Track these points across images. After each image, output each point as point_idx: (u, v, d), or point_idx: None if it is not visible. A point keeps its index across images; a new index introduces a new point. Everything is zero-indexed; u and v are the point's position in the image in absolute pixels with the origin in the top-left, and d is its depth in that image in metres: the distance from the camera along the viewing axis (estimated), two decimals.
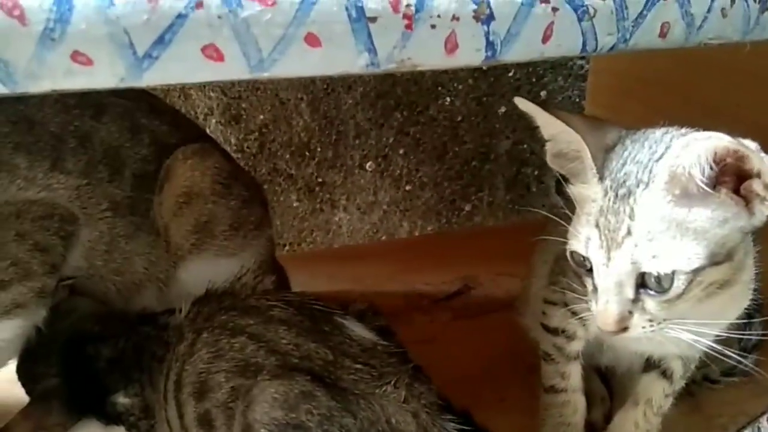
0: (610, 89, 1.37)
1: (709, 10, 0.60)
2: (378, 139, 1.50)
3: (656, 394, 0.82)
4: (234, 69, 0.45)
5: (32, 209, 0.76)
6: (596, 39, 0.55)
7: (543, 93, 1.57)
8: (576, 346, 0.81)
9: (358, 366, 0.68)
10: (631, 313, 0.64)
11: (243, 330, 0.69)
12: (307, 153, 1.46)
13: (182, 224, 0.85)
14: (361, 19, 0.46)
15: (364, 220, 1.55)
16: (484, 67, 1.47)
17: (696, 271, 0.60)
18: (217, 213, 0.86)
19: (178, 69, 0.44)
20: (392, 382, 0.67)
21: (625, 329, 0.64)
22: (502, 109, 1.55)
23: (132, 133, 0.84)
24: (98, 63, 0.43)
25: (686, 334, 0.64)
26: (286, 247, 1.51)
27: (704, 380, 0.94)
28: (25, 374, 0.80)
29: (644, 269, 0.61)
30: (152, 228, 0.85)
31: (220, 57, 0.44)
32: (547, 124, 0.69)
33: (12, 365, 0.82)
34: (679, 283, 0.61)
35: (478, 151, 1.57)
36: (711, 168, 0.59)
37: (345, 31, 0.46)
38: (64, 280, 0.82)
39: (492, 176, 1.61)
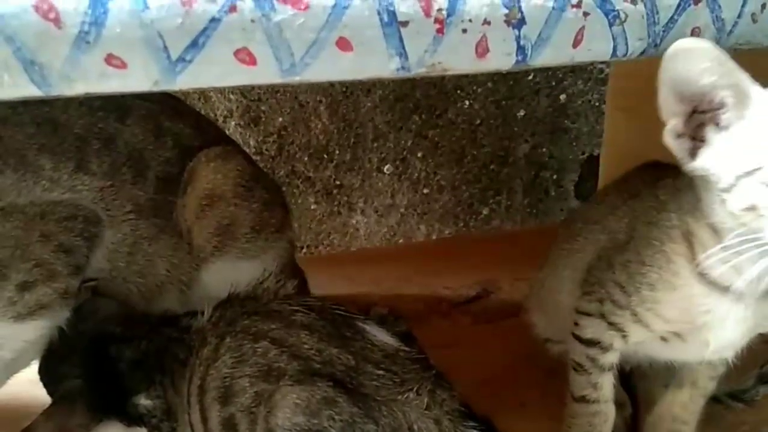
0: (631, 93, 1.36)
1: (739, 16, 0.59)
2: (396, 142, 1.50)
3: (702, 377, 0.82)
4: (266, 73, 0.45)
5: (57, 210, 0.77)
6: (627, 44, 0.55)
7: (563, 96, 1.56)
8: (611, 358, 0.80)
9: (380, 372, 0.68)
10: None
11: (266, 335, 0.69)
12: (325, 156, 1.47)
13: (205, 226, 0.85)
14: (392, 24, 0.46)
15: (381, 223, 1.54)
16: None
17: None
18: (239, 215, 0.86)
19: (211, 72, 0.44)
20: (414, 389, 0.67)
21: None
22: (521, 113, 1.55)
23: (155, 136, 0.84)
24: (132, 66, 0.43)
25: None
26: (304, 250, 1.51)
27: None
28: (47, 375, 0.80)
29: None
30: (175, 230, 0.86)
31: (252, 61, 0.45)
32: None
33: (34, 366, 0.82)
34: None
35: (496, 155, 1.57)
36: None
37: (377, 35, 0.46)
38: (87, 282, 0.82)
39: (510, 180, 1.60)
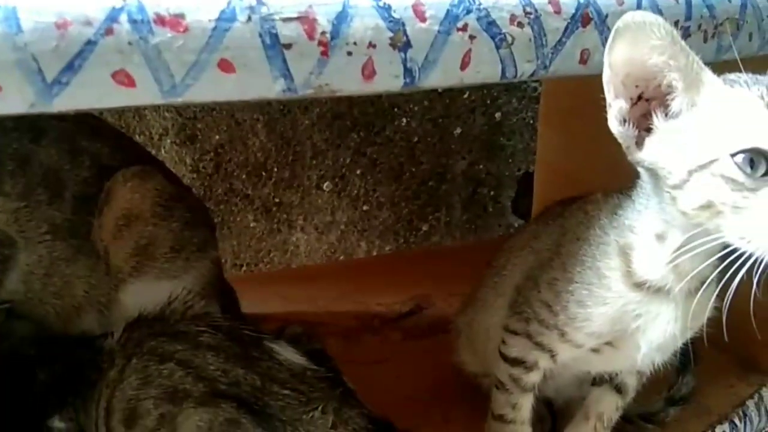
0: (562, 111, 1.39)
1: None
2: (335, 160, 1.50)
3: (608, 408, 0.81)
4: (146, 94, 0.45)
5: None
6: (515, 66, 0.56)
7: (498, 114, 1.58)
8: (534, 378, 0.78)
9: (286, 392, 0.68)
10: None
11: (172, 356, 0.69)
12: (263, 173, 1.47)
13: (122, 247, 0.85)
14: (275, 46, 0.47)
15: (321, 240, 1.55)
16: (439, 90, 1.49)
17: None
18: (158, 235, 0.86)
19: (88, 94, 0.44)
20: (320, 408, 0.67)
21: None
22: (458, 130, 1.57)
23: (72, 156, 0.84)
24: (7, 89, 0.42)
25: None
26: (243, 268, 1.51)
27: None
28: None
29: None
30: (93, 251, 0.85)
31: (131, 83, 0.45)
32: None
33: None
34: None
35: (434, 172, 1.59)
36: None
37: (259, 57, 0.47)
38: (2, 303, 0.81)
39: (448, 196, 1.62)
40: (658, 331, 0.69)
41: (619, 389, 0.81)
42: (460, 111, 1.55)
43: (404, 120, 1.52)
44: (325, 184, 1.52)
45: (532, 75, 0.57)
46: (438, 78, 0.53)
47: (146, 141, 1.35)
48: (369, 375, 0.81)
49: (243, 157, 1.44)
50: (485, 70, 0.55)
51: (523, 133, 1.61)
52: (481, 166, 1.61)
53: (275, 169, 1.47)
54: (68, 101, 0.44)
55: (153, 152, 1.15)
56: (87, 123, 0.87)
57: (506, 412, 0.81)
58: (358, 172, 1.53)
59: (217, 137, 1.41)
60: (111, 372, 0.71)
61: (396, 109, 1.51)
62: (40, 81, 0.43)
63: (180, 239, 0.88)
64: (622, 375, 0.80)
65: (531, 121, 1.59)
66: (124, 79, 0.44)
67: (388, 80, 0.52)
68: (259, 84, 0.48)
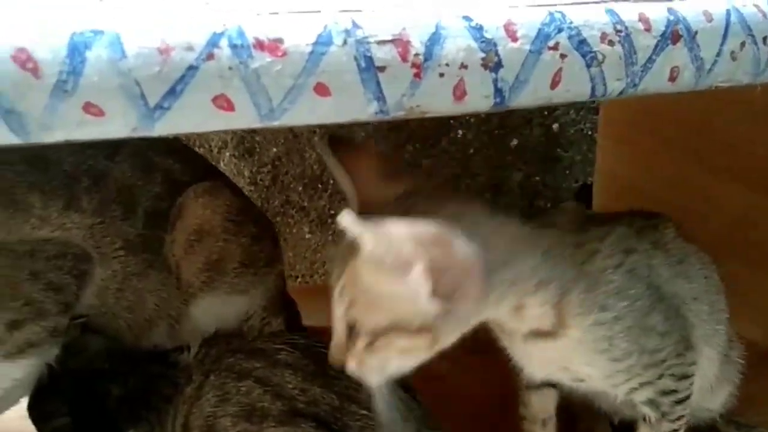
0: (622, 122, 1.37)
1: (718, 54, 0.60)
2: None
3: None
4: (244, 118, 0.45)
5: (46, 248, 0.77)
6: (605, 84, 0.55)
7: (555, 126, 1.57)
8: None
9: (364, 412, 0.67)
10: None
11: (250, 373, 0.69)
12: (319, 185, 1.47)
13: (193, 262, 0.86)
14: (370, 69, 0.47)
15: None
16: None
17: None
18: (228, 251, 0.87)
19: (189, 119, 0.45)
20: None
21: None
22: (514, 142, 1.55)
23: (145, 172, 0.85)
24: (110, 114, 0.43)
25: None
26: (299, 279, 1.51)
27: None
28: (36, 413, 0.80)
29: None
30: (164, 265, 0.86)
31: (230, 107, 0.45)
32: None
33: (23, 401, 0.82)
34: None
35: (490, 184, 1.57)
36: None
37: (354, 80, 0.47)
38: (77, 318, 0.82)
39: (505, 209, 1.60)
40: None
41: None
42: (516, 122, 1.54)
43: (460, 132, 1.52)
44: None
45: (621, 93, 0.56)
46: (528, 97, 0.52)
47: (206, 154, 1.37)
48: (432, 392, 0.80)
49: (300, 170, 1.45)
50: (575, 88, 0.54)
51: (581, 145, 1.59)
52: (537, 178, 1.60)
53: (331, 181, 1.48)
54: (169, 126, 0.44)
55: None
56: (158, 139, 0.88)
57: (520, 410, 0.84)
58: None
59: (275, 150, 1.43)
60: (188, 388, 0.71)
61: (452, 121, 1.50)
62: (143, 105, 0.43)
63: (249, 254, 0.88)
64: None
65: (589, 132, 1.57)
66: (223, 103, 0.45)
67: (479, 101, 0.51)
68: (352, 107, 0.48)
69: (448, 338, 0.62)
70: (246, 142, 1.40)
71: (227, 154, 1.40)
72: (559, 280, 0.65)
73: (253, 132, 1.40)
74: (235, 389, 0.68)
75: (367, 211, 0.63)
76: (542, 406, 0.83)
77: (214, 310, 0.86)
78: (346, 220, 0.54)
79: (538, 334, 0.67)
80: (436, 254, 0.55)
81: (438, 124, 1.50)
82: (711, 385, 0.84)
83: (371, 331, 0.59)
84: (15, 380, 0.77)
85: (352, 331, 0.60)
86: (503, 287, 0.63)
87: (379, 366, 0.61)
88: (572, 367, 0.72)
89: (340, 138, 0.68)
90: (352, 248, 0.57)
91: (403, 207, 0.62)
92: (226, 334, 0.77)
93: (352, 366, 0.61)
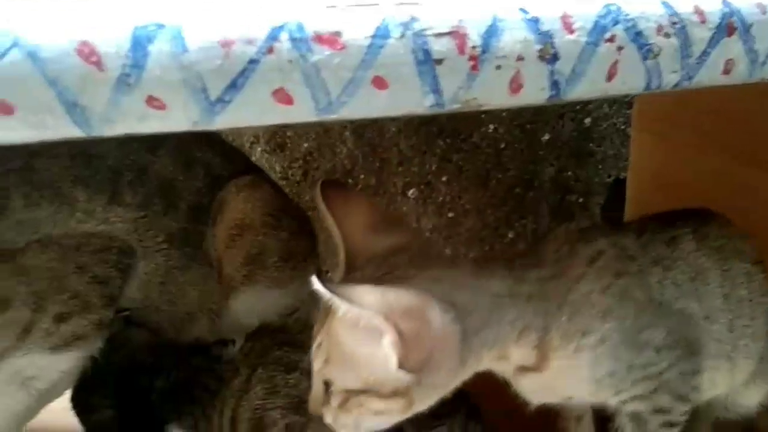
0: (657, 115, 1.35)
1: None
2: (421, 167, 1.50)
3: None
4: (302, 112, 0.45)
5: (91, 242, 0.78)
6: (660, 76, 0.54)
7: (587, 120, 1.55)
8: None
9: None
10: None
11: (297, 366, 0.69)
12: (350, 180, 1.47)
13: (235, 256, 0.86)
14: (427, 62, 0.47)
15: None
16: None
17: None
18: (268, 245, 0.87)
19: (249, 112, 0.45)
20: (447, 424, 0.67)
21: None
22: (546, 136, 1.54)
23: (186, 166, 0.85)
24: (172, 107, 0.43)
25: None
26: (329, 274, 1.51)
27: None
28: (80, 405, 0.81)
29: None
30: (205, 259, 0.86)
31: (289, 100, 0.45)
32: None
33: (67, 394, 0.83)
34: None
35: (521, 178, 1.56)
36: None
37: (412, 73, 0.47)
38: (120, 312, 0.83)
39: (536, 203, 1.60)
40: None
41: None
42: (548, 117, 1.53)
43: (491, 126, 1.51)
44: (411, 191, 1.51)
45: (675, 86, 0.56)
46: (583, 90, 0.52)
47: (239, 148, 1.37)
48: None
49: (331, 165, 1.45)
50: (631, 81, 0.53)
51: (614, 139, 1.57)
52: (569, 173, 1.58)
53: (362, 176, 1.48)
54: (229, 119, 0.44)
55: None
56: (199, 133, 0.88)
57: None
58: (444, 178, 1.52)
59: (306, 145, 1.43)
60: (235, 381, 0.72)
61: (483, 115, 1.49)
62: (204, 99, 0.43)
63: (288, 248, 0.89)
64: None
65: (622, 127, 1.56)
66: (283, 96, 0.45)
67: (534, 93, 0.51)
68: (409, 100, 0.48)
69: (425, 402, 0.62)
70: (277, 136, 1.40)
71: (259, 148, 1.40)
72: (541, 319, 0.64)
73: (284, 127, 1.40)
74: (283, 382, 0.68)
75: (353, 261, 0.64)
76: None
77: (255, 303, 0.87)
78: (316, 285, 0.54)
79: (524, 369, 0.67)
80: (408, 327, 0.55)
81: (469, 119, 1.49)
82: (746, 383, 0.83)
83: (345, 390, 0.59)
84: (61, 372, 0.78)
85: (328, 387, 0.61)
86: (484, 349, 0.62)
87: (354, 424, 0.61)
88: (557, 392, 0.71)
89: (334, 183, 0.68)
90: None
91: (387, 264, 0.62)
92: (271, 328, 0.77)
93: (328, 420, 0.61)
